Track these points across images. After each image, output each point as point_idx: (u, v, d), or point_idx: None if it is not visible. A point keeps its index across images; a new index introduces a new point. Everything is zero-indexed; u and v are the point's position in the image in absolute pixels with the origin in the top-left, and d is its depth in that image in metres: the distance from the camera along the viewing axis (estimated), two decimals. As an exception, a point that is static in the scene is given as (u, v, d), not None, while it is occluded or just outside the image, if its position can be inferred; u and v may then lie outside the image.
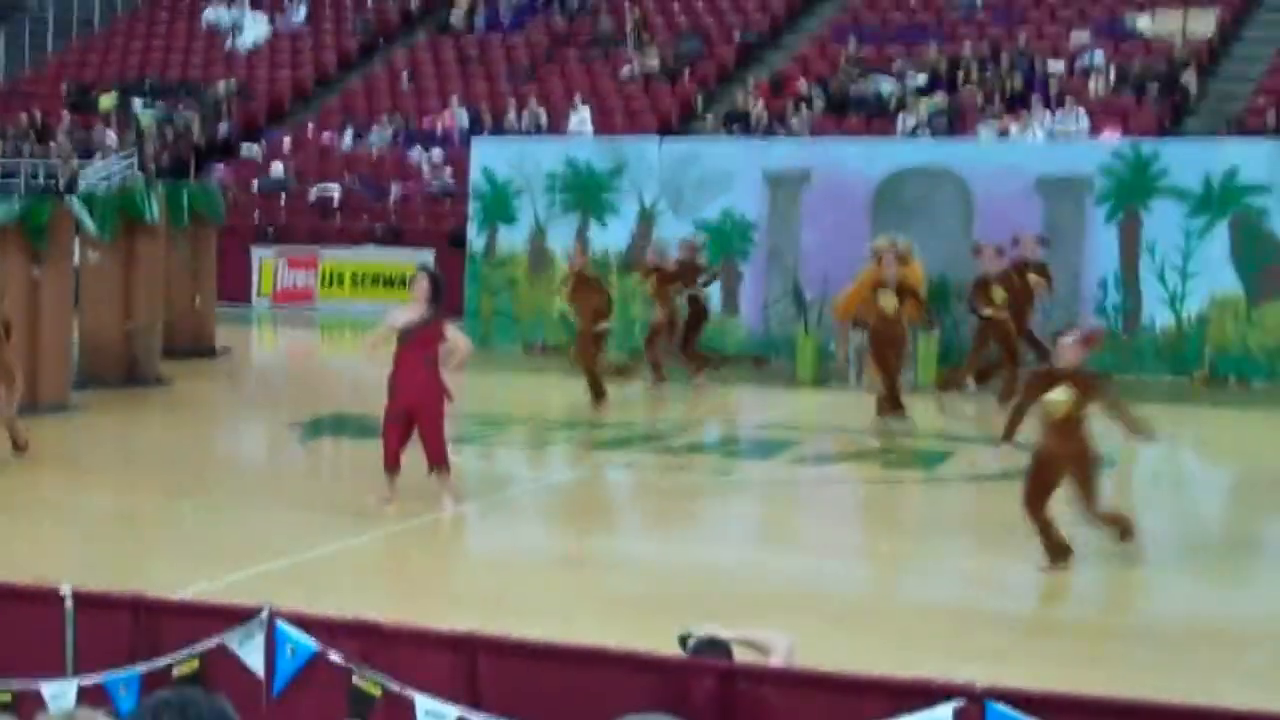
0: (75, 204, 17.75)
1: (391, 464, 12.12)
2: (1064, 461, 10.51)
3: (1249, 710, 6.05)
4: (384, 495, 12.13)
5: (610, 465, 14.75)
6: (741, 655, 6.74)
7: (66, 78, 33.74)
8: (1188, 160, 19.09)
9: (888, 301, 16.07)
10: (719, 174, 20.65)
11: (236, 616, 6.87)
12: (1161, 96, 25.54)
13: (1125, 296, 19.07)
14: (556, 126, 27.56)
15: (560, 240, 21.21)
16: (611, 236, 21.06)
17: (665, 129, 26.63)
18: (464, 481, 14.10)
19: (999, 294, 16.96)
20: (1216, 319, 18.80)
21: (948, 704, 5.75)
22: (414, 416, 11.99)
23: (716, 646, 6.69)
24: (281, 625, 6.76)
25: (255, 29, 33.73)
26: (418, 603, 9.83)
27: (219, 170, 28.87)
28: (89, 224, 17.53)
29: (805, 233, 20.26)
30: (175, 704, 4.41)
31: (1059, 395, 10.43)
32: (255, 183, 28.74)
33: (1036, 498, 10.58)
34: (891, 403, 16.09)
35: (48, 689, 6.82)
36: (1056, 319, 19.17)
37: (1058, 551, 10.62)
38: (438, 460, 12.06)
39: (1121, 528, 10.91)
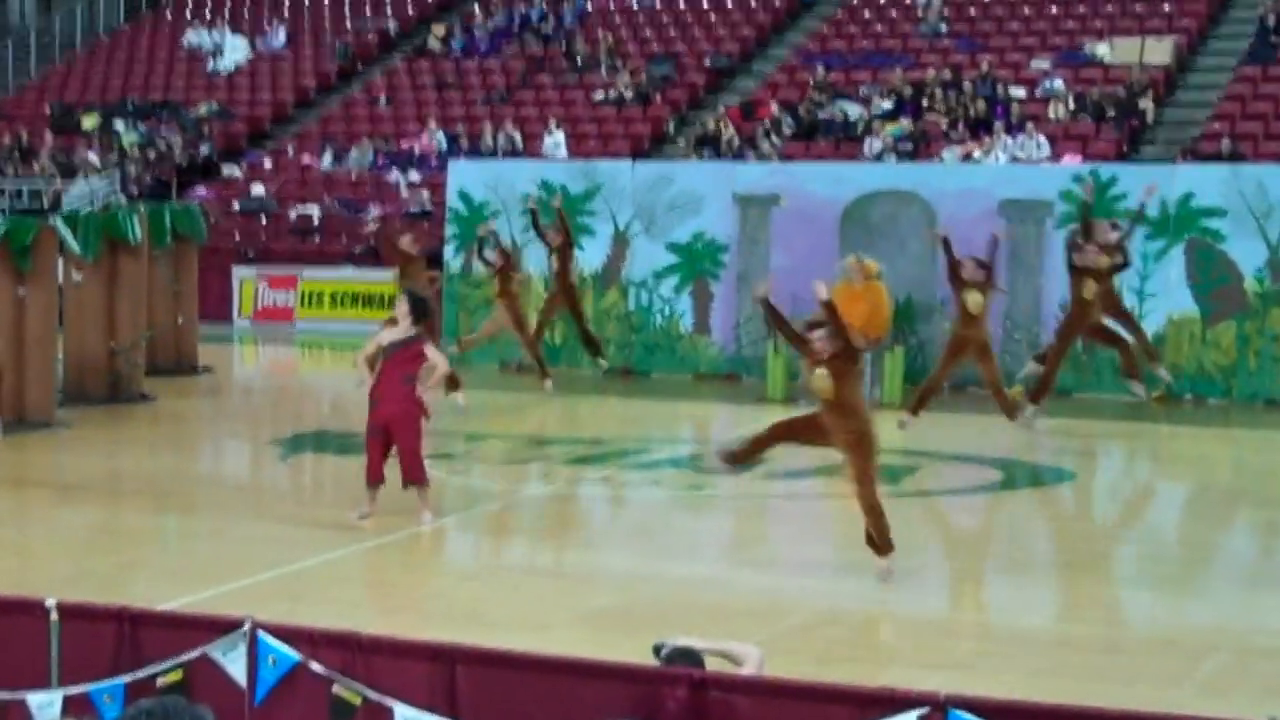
0: (59, 224, 17.71)
1: (374, 478, 12.16)
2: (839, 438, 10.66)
3: (1205, 717, 6.11)
4: (364, 510, 12.15)
5: (584, 480, 14.77)
6: (714, 665, 6.77)
7: (50, 99, 33.65)
8: (1145, 185, 19.17)
9: (973, 300, 15.85)
10: (691, 196, 20.69)
11: (220, 628, 6.89)
12: (1120, 123, 25.67)
13: (1085, 316, 19.13)
14: (532, 149, 27.59)
15: (536, 261, 21.23)
16: (586, 257, 21.06)
17: (638, 152, 26.68)
18: (442, 496, 14.12)
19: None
20: (1173, 339, 18.88)
21: (912, 712, 5.80)
22: (391, 430, 12.09)
23: (689, 657, 6.73)
24: (263, 636, 6.78)
25: (236, 52, 33.69)
26: (397, 615, 9.85)
27: (200, 191, 28.83)
28: (73, 244, 17.49)
29: (774, 254, 20.31)
30: (158, 712, 4.41)
31: (822, 375, 10.57)
32: (236, 203, 28.70)
33: (783, 432, 10.91)
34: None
35: (33, 700, 6.82)
36: (1019, 337, 19.31)
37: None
38: (413, 476, 12.13)
39: (884, 539, 10.76)
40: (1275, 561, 12.48)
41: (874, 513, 10.71)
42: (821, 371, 10.52)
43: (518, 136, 28.13)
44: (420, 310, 12.22)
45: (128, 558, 11.71)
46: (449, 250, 22.02)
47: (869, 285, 18.69)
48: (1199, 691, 8.68)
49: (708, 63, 30.12)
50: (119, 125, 31.68)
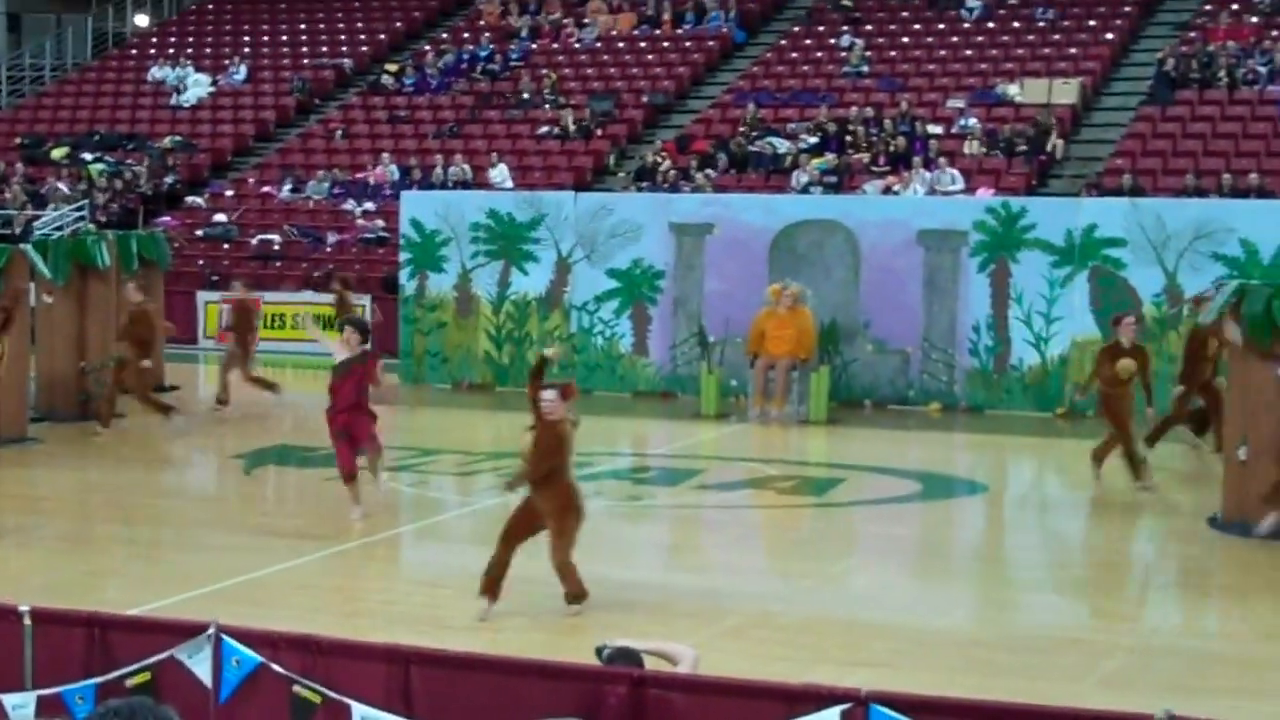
0: (30, 250, 17.59)
1: (349, 473, 12.84)
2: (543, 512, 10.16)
3: (1106, 710, 6.19)
4: (357, 510, 12.71)
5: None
6: (652, 665, 6.81)
7: (20, 131, 33.34)
8: (1052, 216, 19.34)
9: (1124, 365, 14.64)
10: (630, 225, 20.74)
11: (186, 632, 6.88)
12: (1029, 158, 25.90)
13: (996, 339, 19.29)
14: (481, 180, 27.57)
15: (485, 286, 21.24)
16: (531, 282, 21.10)
17: (580, 183, 26.69)
18: (400, 507, 14.13)
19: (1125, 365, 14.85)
20: (1077, 359, 19.04)
21: (835, 707, 5.85)
22: (350, 428, 12.88)
23: (629, 657, 6.76)
24: (227, 640, 6.78)
25: (199, 87, 33.47)
26: (356, 619, 9.83)
27: (165, 219, 28.63)
28: (44, 269, 17.38)
29: (708, 279, 20.39)
30: (124, 712, 4.40)
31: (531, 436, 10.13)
32: (200, 231, 28.52)
33: (510, 538, 10.21)
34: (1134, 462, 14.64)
35: (9, 700, 6.79)
36: (936, 357, 19.46)
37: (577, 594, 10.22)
38: (365, 446, 13.02)
39: (575, 592, 10.21)
40: (1171, 566, 12.62)
41: (564, 570, 10.16)
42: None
43: (467, 168, 28.12)
44: (366, 333, 13.37)
45: (98, 566, 11.64)
46: (403, 275, 21.98)
47: (796, 310, 18.83)
48: (1101, 687, 8.77)
49: (645, 100, 30.19)
50: (87, 156, 31.41)
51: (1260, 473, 12.69)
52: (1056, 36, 29.27)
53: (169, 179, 30.52)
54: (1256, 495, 12.67)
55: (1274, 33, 27.62)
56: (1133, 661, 9.35)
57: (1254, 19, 28.29)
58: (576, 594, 10.23)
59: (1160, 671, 9.15)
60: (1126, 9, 29.67)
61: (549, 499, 10.20)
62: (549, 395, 10.20)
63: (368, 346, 13.21)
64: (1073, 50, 28.77)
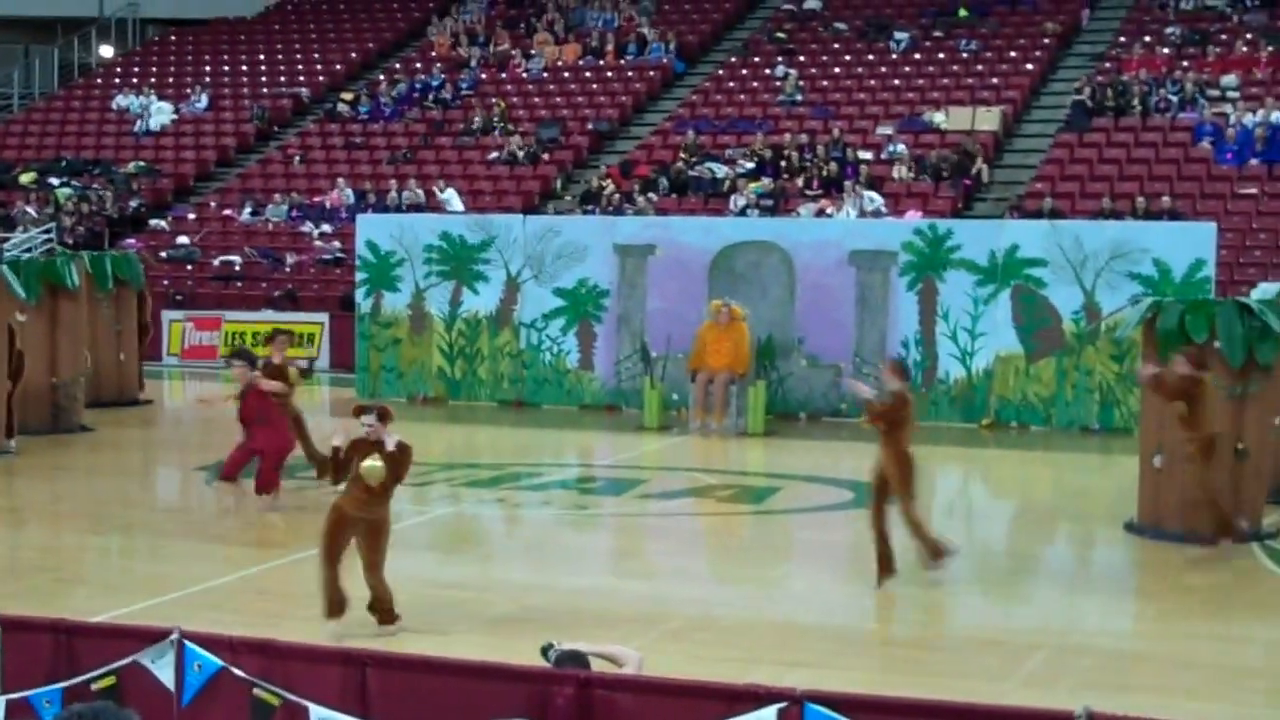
0: (4, 270, 17.45)
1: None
2: (360, 525, 9.71)
3: (1028, 708, 6.23)
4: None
5: (483, 501, 14.74)
6: (599, 667, 6.81)
7: (-10, 157, 33.07)
8: (977, 238, 19.48)
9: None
10: (576, 247, 20.74)
11: (149, 637, 6.83)
12: (955, 182, 26.07)
13: (924, 354, 19.39)
14: (433, 203, 27.51)
15: (437, 304, 21.19)
16: (482, 301, 21.07)
17: (528, 207, 26.68)
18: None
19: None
20: (1000, 373, 19.18)
21: (772, 706, 5.86)
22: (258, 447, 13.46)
23: (577, 659, 6.76)
24: (189, 645, 6.73)
25: (162, 115, 33.23)
26: (314, 624, 9.76)
27: (130, 241, 28.40)
28: (17, 289, 17.25)
29: (650, 298, 20.41)
30: (89, 715, 4.37)
31: (373, 462, 9.62)
32: (163, 253, 28.30)
33: (329, 557, 9.72)
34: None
35: (-21, 705, 6.72)
36: (867, 371, 19.54)
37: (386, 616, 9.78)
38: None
39: (384, 610, 9.79)
40: (1089, 570, 12.71)
41: (378, 588, 9.75)
42: (376, 464, 9.59)
43: (421, 192, 28.05)
44: (249, 360, 13.74)
45: (66, 574, 11.51)
46: (359, 294, 21.89)
47: (735, 326, 18.87)
48: (1023, 685, 8.81)
49: (590, 127, 30.23)
50: (54, 181, 31.14)
51: (1174, 480, 12.79)
52: (979, 67, 29.51)
53: (133, 203, 30.29)
54: (1172, 502, 12.79)
55: (1184, 63, 27.95)
56: (1053, 660, 9.40)
57: (1165, 50, 28.62)
58: (389, 615, 9.78)
59: (1079, 670, 9.20)
60: (1045, 41, 29.97)
61: (371, 514, 9.68)
62: (368, 419, 9.70)
63: (254, 371, 13.41)
64: (995, 80, 29.01)
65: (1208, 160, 25.65)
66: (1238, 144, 25.61)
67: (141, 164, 31.57)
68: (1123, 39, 29.50)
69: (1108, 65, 28.54)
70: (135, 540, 12.83)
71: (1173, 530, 12.77)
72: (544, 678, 6.36)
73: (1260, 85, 27.18)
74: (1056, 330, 18.92)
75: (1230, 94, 26.97)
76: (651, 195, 26.71)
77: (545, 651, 6.88)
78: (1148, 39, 29.08)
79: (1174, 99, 27.06)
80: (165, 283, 26.89)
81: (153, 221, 29.80)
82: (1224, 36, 28.71)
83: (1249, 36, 28.50)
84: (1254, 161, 25.39)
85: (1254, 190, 24.88)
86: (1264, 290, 14.39)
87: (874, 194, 25.36)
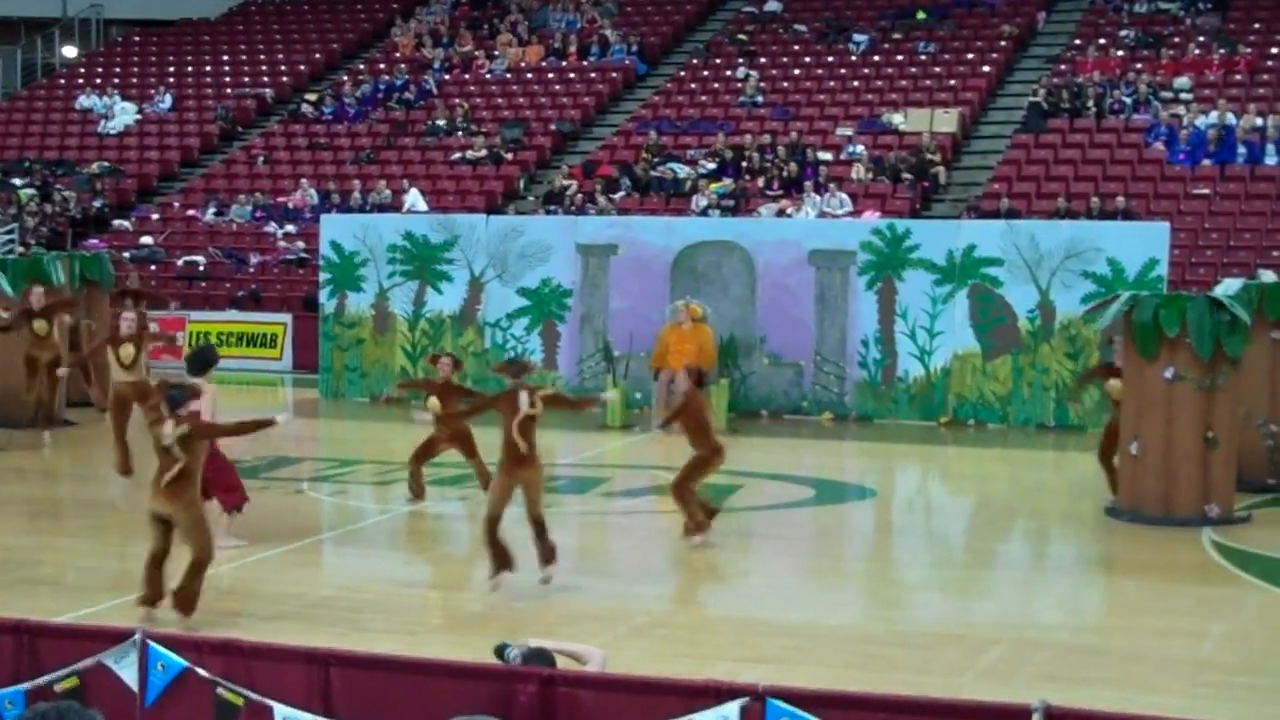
0: None
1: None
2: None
3: (987, 702, 6.26)
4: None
5: (447, 500, 14.68)
6: (563, 664, 6.80)
7: (-47, 158, 32.78)
8: (934, 238, 19.55)
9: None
10: (539, 246, 20.71)
11: (112, 637, 6.78)
12: (913, 183, 26.16)
13: (883, 352, 19.46)
14: (397, 204, 27.42)
15: (401, 304, 21.13)
16: (446, 301, 21.01)
17: (492, 207, 26.63)
18: (320, 515, 13.98)
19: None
20: (958, 371, 19.26)
21: (734, 702, 5.87)
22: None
23: (542, 657, 6.74)
24: (153, 645, 6.68)
25: (125, 115, 33.01)
26: (280, 622, 9.72)
27: (93, 242, 28.19)
28: (5, 286, 17.26)
29: (613, 297, 20.40)
30: (52, 715, 4.34)
31: (169, 429, 9.54)
32: (127, 253, 28.10)
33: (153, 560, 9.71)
34: None
35: (-59, 707, 6.65)
36: (828, 370, 19.59)
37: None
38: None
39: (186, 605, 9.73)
40: (1046, 565, 12.78)
41: (199, 570, 9.72)
42: (173, 436, 9.52)
43: (385, 193, 27.96)
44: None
45: (31, 574, 11.41)
46: (323, 294, 21.80)
47: (696, 326, 18.86)
48: (981, 679, 8.84)
49: (553, 127, 30.19)
50: (17, 181, 30.89)
51: (1150, 466, 13.22)
52: (937, 69, 29.62)
53: (97, 203, 30.08)
54: (1150, 486, 13.25)
55: (1138, 66, 28.12)
56: (1010, 655, 9.44)
57: (1119, 53, 28.80)
58: (190, 606, 9.68)
59: (1036, 664, 9.25)
60: (1002, 43, 30.10)
61: (184, 501, 9.63)
62: (191, 405, 9.75)
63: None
64: (952, 82, 29.12)
65: (1161, 161, 25.82)
66: (1190, 145, 25.79)
67: (105, 164, 31.36)
68: (1078, 41, 29.66)
69: (1063, 67, 28.70)
70: (100, 540, 12.73)
71: (1151, 514, 13.21)
72: (507, 675, 6.35)
73: (1212, 87, 27.38)
74: (1012, 329, 19.01)
75: (1183, 96, 27.17)
76: (614, 196, 26.69)
77: (499, 652, 6.85)
78: (1102, 41, 29.25)
79: (1128, 101, 27.23)
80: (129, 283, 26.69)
81: (116, 222, 29.60)
82: (1177, 39, 28.91)
83: (1201, 39, 28.71)
84: (1206, 162, 25.58)
85: (1206, 191, 25.06)
86: (1227, 286, 14.60)
87: (844, 195, 25.43)
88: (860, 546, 13.60)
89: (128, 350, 14.59)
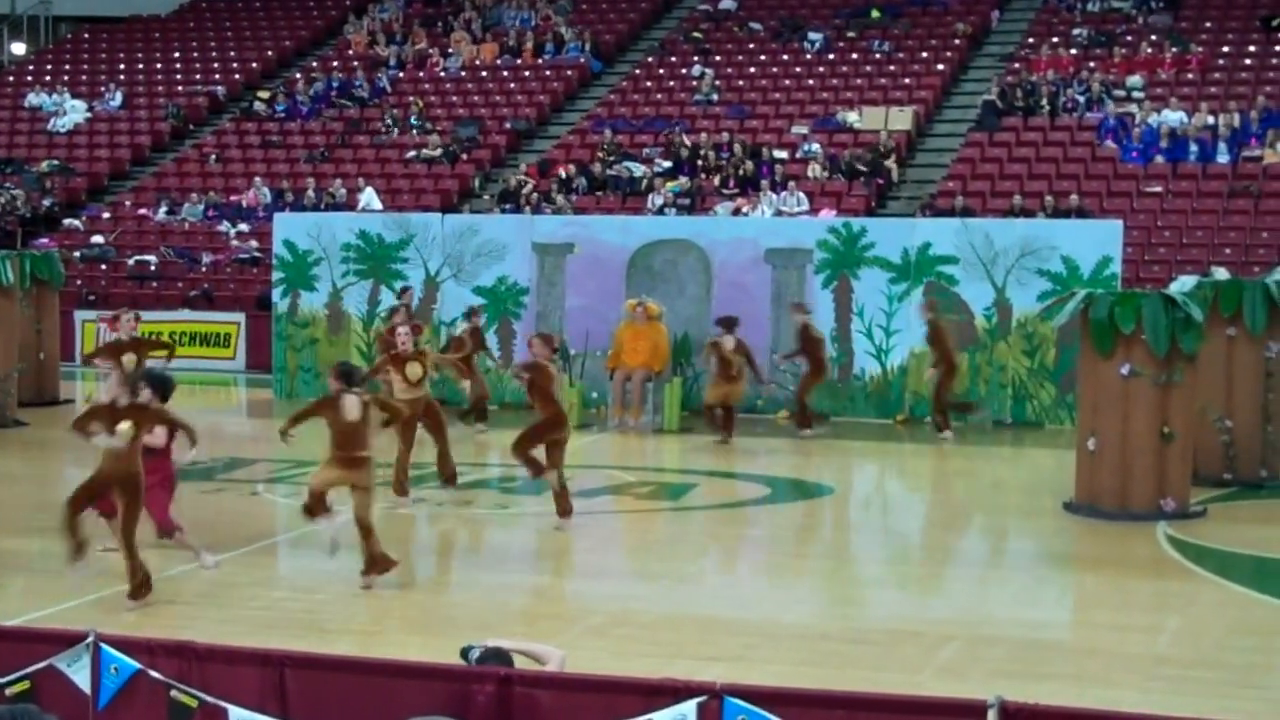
0: None
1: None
2: (115, 482, 10.20)
3: (943, 698, 6.29)
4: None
5: (405, 500, 14.61)
6: (522, 664, 6.79)
7: (-101, 156, 32.43)
8: (890, 236, 19.64)
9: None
10: (494, 245, 20.69)
11: (65, 640, 6.73)
12: (868, 181, 26.28)
13: (839, 350, 19.53)
14: (352, 202, 27.32)
15: (355, 304, 21.05)
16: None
17: (447, 205, 26.58)
18: (275, 516, 13.91)
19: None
20: (915, 369, 19.35)
21: (692, 700, 5.88)
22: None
23: (500, 657, 6.73)
24: (106, 648, 6.64)
25: (75, 113, 32.77)
26: (236, 624, 9.66)
27: (43, 240, 27.95)
28: None
29: (569, 296, 20.40)
30: (6, 717, 4.35)
31: (124, 428, 10.13)
32: (77, 252, 27.89)
33: (77, 502, 10.33)
34: None
35: (-110, 712, 6.58)
36: (784, 369, 19.65)
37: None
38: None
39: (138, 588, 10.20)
40: (1002, 562, 12.86)
41: (129, 551, 10.12)
42: (125, 426, 10.11)
43: (340, 191, 27.84)
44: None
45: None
46: (276, 293, 21.69)
47: (652, 324, 18.90)
48: (938, 676, 8.88)
49: (509, 126, 30.16)
50: (-35, 180, 30.61)
51: (1107, 462, 13.37)
52: (892, 68, 29.76)
53: (46, 202, 29.83)
54: (1107, 481, 13.39)
55: (1091, 64, 28.34)
56: (966, 651, 9.48)
57: (1072, 51, 29.01)
58: (141, 589, 10.12)
59: (991, 660, 9.29)
60: (956, 42, 30.27)
61: (125, 474, 10.10)
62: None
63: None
64: (907, 80, 29.26)
65: (1114, 159, 26.03)
66: (1143, 143, 26.01)
67: (55, 162, 31.11)
68: (1031, 40, 29.86)
69: (1017, 66, 28.88)
70: (52, 542, 12.60)
71: (1108, 509, 13.36)
72: (464, 676, 6.34)
73: (1164, 85, 27.62)
74: (968, 326, 19.11)
75: (1135, 94, 27.39)
76: (572, 196, 26.68)
77: (465, 653, 6.84)
78: (1055, 40, 29.46)
79: (1081, 99, 27.43)
80: (79, 283, 26.52)
81: (66, 221, 29.38)
82: (1129, 38, 29.15)
83: (1153, 38, 28.96)
84: (1159, 160, 25.80)
85: (1158, 189, 25.28)
86: (1182, 283, 14.76)
87: (800, 193, 25.51)
88: (817, 544, 13.64)
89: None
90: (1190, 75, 27.91)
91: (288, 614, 10.20)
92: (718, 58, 30.87)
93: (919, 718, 5.87)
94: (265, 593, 11.05)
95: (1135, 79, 27.71)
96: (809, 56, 30.48)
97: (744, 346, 17.85)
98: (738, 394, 17.94)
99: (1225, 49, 28.84)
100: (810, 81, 29.76)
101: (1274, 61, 28.22)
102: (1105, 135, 26.46)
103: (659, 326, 18.92)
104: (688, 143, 27.63)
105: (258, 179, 29.02)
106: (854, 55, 30.33)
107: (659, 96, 30.10)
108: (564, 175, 27.30)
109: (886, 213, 25.09)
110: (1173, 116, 26.21)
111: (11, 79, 35.32)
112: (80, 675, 6.62)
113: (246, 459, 16.27)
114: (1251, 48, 28.73)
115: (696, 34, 31.86)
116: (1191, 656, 9.48)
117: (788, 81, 29.90)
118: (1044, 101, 27.41)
